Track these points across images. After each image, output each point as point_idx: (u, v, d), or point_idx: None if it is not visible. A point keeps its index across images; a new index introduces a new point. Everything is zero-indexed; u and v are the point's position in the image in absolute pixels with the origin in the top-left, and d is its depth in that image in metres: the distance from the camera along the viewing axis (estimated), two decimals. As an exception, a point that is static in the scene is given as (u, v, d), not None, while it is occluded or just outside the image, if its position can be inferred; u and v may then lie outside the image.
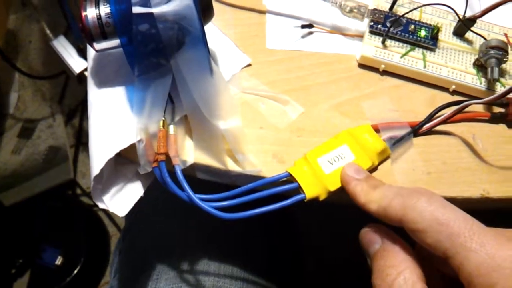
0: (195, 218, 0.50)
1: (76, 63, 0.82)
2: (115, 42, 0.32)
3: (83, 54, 0.84)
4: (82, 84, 1.27)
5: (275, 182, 0.33)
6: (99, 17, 0.31)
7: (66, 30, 1.34)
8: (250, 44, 0.40)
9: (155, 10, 0.29)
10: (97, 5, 0.32)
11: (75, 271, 1.05)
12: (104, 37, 0.32)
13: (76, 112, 1.30)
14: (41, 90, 1.33)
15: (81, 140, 1.27)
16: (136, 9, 0.29)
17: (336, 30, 0.41)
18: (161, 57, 0.31)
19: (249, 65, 0.39)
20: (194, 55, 0.31)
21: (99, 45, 0.33)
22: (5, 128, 1.26)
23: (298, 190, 0.33)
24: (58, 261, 1.04)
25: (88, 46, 0.38)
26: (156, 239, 0.50)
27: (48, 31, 0.85)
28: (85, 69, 0.82)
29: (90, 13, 0.31)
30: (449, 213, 0.26)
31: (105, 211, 1.18)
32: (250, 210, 0.31)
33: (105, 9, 0.31)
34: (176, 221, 0.51)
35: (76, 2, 0.72)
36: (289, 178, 0.33)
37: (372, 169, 0.35)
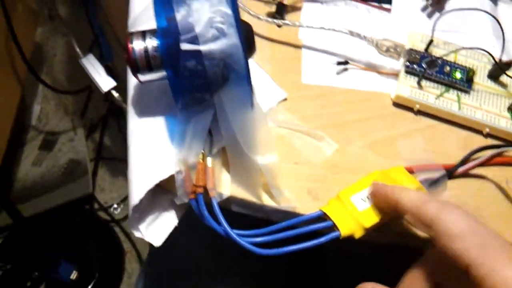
0: (222, 245, 0.50)
1: (104, 82, 0.83)
2: (160, 74, 0.33)
3: (111, 72, 0.86)
4: (107, 101, 1.28)
5: (310, 220, 0.33)
6: (146, 50, 0.32)
7: (91, 44, 1.36)
8: (286, 79, 0.41)
9: (203, 47, 0.30)
10: (143, 37, 0.32)
11: (89, 287, 1.05)
12: (150, 69, 0.33)
13: (97, 126, 1.31)
14: (63, 104, 1.35)
15: (101, 154, 1.28)
16: (185, 46, 0.30)
17: (371, 67, 0.42)
18: (205, 92, 0.32)
19: (285, 99, 0.40)
20: (238, 91, 0.32)
21: (144, 77, 0.33)
22: (27, 140, 1.28)
23: (333, 228, 0.33)
24: (73, 275, 1.04)
25: (128, 75, 0.39)
26: (183, 264, 0.51)
27: (77, 49, 0.87)
28: (113, 88, 0.84)
29: (137, 45, 0.32)
30: (484, 227, 0.26)
31: (121, 227, 1.18)
32: (286, 246, 0.32)
33: (152, 42, 0.32)
34: (204, 248, 0.51)
35: (107, 20, 0.74)
36: (324, 216, 0.34)
37: None
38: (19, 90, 1.15)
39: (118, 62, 0.89)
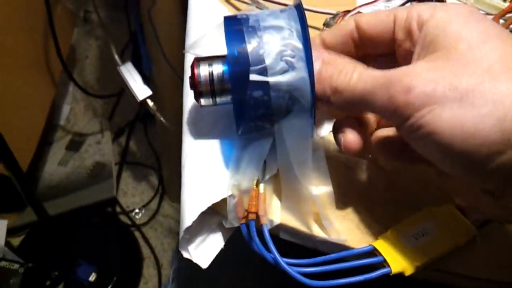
0: (250, 269, 0.50)
1: (140, 90, 0.84)
2: (221, 100, 0.34)
3: (147, 81, 0.87)
4: (138, 107, 1.30)
5: (360, 254, 0.33)
6: (211, 76, 0.33)
7: (124, 48, 1.38)
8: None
9: (271, 79, 0.30)
10: (210, 63, 0.33)
11: (107, 290, 1.06)
12: (213, 95, 0.33)
13: (124, 131, 1.33)
14: (92, 106, 1.38)
15: (125, 159, 1.30)
16: (254, 77, 0.30)
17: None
18: (267, 122, 0.32)
19: (337, 129, 0.40)
20: (300, 123, 0.32)
21: (205, 101, 0.34)
22: (55, 139, 1.30)
23: (383, 263, 0.33)
24: (92, 277, 1.05)
25: (185, 95, 0.40)
26: (206, 285, 0.51)
27: (116, 56, 0.88)
28: (149, 97, 0.85)
29: (203, 71, 0.33)
30: None
31: (141, 232, 1.19)
32: (336, 279, 0.32)
33: (217, 69, 0.33)
34: (230, 269, 0.51)
35: (155, 33, 0.75)
36: (374, 251, 0.34)
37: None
38: (52, 90, 1.18)
39: (156, 71, 0.91)
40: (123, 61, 0.88)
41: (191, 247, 0.35)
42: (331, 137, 0.39)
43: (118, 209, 1.22)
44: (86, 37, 1.52)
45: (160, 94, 0.87)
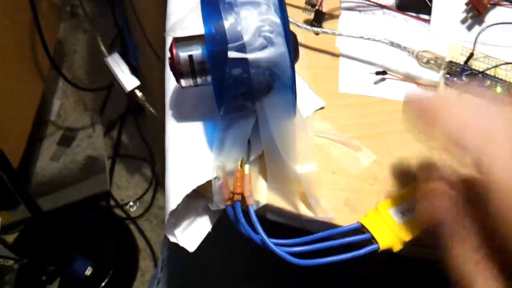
0: (238, 254, 0.50)
1: (128, 81, 0.84)
2: (202, 80, 0.33)
3: (135, 71, 0.86)
4: (128, 99, 1.29)
5: (348, 232, 0.33)
6: (190, 56, 0.32)
7: (112, 41, 1.37)
8: (323, 87, 0.40)
9: (250, 56, 0.30)
10: (188, 43, 0.32)
11: (103, 283, 1.05)
12: (193, 75, 0.33)
13: (115, 124, 1.32)
14: (83, 100, 1.36)
15: (118, 152, 1.29)
16: (232, 54, 0.30)
17: (410, 78, 0.41)
18: (248, 100, 0.32)
19: (322, 108, 0.39)
20: (281, 100, 0.31)
21: (186, 82, 0.33)
22: (46, 135, 1.29)
23: (371, 240, 0.33)
24: (88, 271, 1.05)
25: (166, 79, 0.39)
26: (197, 272, 0.51)
27: (102, 47, 0.87)
28: (137, 87, 0.84)
29: (182, 51, 0.32)
30: None
31: (136, 225, 1.19)
32: (324, 257, 0.31)
33: (197, 48, 0.32)
34: (219, 256, 0.51)
35: (137, 19, 0.74)
36: (362, 228, 0.33)
37: None
38: (41, 86, 1.16)
39: (143, 61, 0.90)
40: (111, 53, 0.87)
41: (177, 231, 0.35)
42: (315, 116, 0.39)
43: (112, 202, 1.21)
44: (74, 31, 1.50)
45: (148, 84, 0.86)
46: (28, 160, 1.21)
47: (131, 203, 1.22)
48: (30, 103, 1.13)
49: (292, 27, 0.40)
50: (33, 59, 1.10)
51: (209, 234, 0.53)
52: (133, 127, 1.31)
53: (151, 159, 1.26)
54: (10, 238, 1.10)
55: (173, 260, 0.55)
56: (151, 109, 0.86)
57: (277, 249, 0.32)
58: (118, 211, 1.21)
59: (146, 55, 0.84)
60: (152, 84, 0.89)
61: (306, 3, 0.43)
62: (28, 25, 1.04)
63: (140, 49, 0.86)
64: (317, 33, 0.43)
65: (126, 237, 1.16)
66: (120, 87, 0.86)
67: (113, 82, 1.06)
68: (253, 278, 0.50)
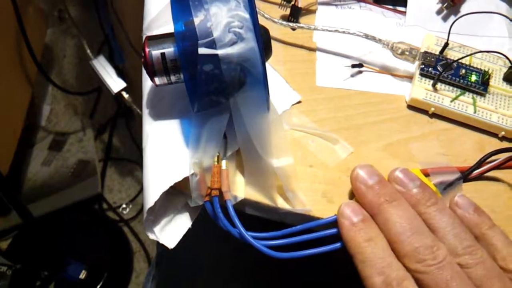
0: (230, 250, 0.50)
1: (114, 83, 0.84)
2: (176, 78, 0.33)
3: (121, 74, 0.86)
4: (117, 102, 1.29)
5: (326, 224, 0.33)
6: (162, 54, 0.32)
7: (101, 46, 1.37)
8: (300, 81, 0.41)
9: (220, 51, 0.30)
10: (160, 41, 0.33)
11: (98, 287, 1.05)
12: (166, 73, 0.33)
13: (106, 127, 1.32)
14: (73, 104, 1.36)
15: (109, 155, 1.29)
16: (202, 50, 0.30)
17: (386, 70, 0.42)
18: (221, 96, 0.32)
19: (299, 102, 0.40)
20: (254, 95, 0.32)
21: (160, 80, 0.33)
22: (37, 140, 1.29)
23: None
24: (82, 275, 1.05)
25: (143, 78, 0.39)
26: (190, 268, 0.51)
27: (88, 50, 0.87)
28: (123, 89, 0.84)
29: (154, 49, 0.32)
30: None
31: (130, 227, 1.19)
32: (303, 250, 0.32)
33: (168, 46, 0.32)
34: (211, 252, 0.51)
35: (120, 23, 0.74)
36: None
37: None
38: (29, 91, 1.16)
39: (129, 63, 0.90)
40: (97, 56, 0.87)
41: (157, 229, 0.35)
42: (292, 110, 0.39)
43: (105, 205, 1.21)
44: (63, 36, 1.50)
45: (135, 86, 0.86)
46: (19, 166, 1.20)
47: (124, 206, 1.22)
48: (19, 108, 1.13)
49: (268, 23, 0.41)
50: (20, 65, 1.10)
51: (202, 231, 0.53)
52: (124, 130, 1.31)
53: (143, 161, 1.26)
54: (3, 244, 1.10)
55: (168, 257, 0.55)
56: (138, 110, 0.86)
57: (255, 243, 0.32)
58: (111, 214, 1.21)
59: (131, 57, 0.84)
60: (138, 85, 0.89)
61: (282, -1, 0.43)
62: (14, 30, 1.04)
63: (125, 51, 0.86)
64: (293, 28, 0.43)
65: (120, 240, 1.16)
66: (108, 90, 0.86)
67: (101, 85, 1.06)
68: (246, 274, 0.50)
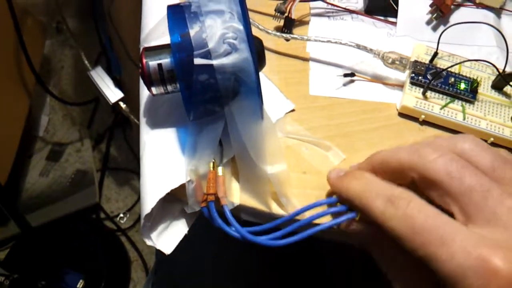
0: (228, 256, 0.51)
1: (112, 94, 0.85)
2: (172, 88, 0.34)
3: (118, 84, 0.87)
4: (115, 112, 1.30)
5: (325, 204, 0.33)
6: (159, 64, 0.33)
7: (98, 57, 1.38)
8: (293, 90, 0.42)
9: (215, 62, 0.31)
10: (157, 52, 0.34)
11: (96, 296, 1.05)
12: (163, 83, 0.34)
13: (103, 137, 1.33)
14: (70, 115, 1.37)
15: (107, 165, 1.29)
16: (198, 61, 0.31)
17: (377, 79, 0.43)
18: (216, 105, 0.33)
19: (293, 110, 0.41)
20: (248, 104, 0.33)
21: (157, 90, 0.34)
22: (35, 150, 1.30)
23: (348, 211, 0.32)
24: (80, 284, 1.05)
25: (141, 88, 0.40)
26: (189, 274, 0.52)
27: (86, 61, 0.88)
28: (120, 99, 0.85)
29: (151, 60, 0.33)
30: None
31: (127, 236, 1.19)
32: (301, 232, 0.32)
33: (165, 57, 0.33)
34: (210, 259, 0.52)
35: (117, 34, 0.75)
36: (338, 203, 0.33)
37: None
38: (27, 102, 1.17)
39: (126, 74, 0.91)
40: (95, 67, 0.88)
41: (154, 235, 0.36)
42: (286, 119, 0.40)
43: (102, 215, 1.22)
44: (61, 47, 1.52)
45: (132, 96, 0.87)
46: (17, 176, 1.21)
47: (121, 215, 1.23)
48: (17, 119, 1.14)
49: (263, 34, 0.42)
50: (19, 75, 1.11)
51: (200, 238, 0.54)
52: (121, 140, 1.32)
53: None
54: (1, 254, 1.11)
55: (167, 263, 0.55)
56: (136, 120, 0.87)
57: (256, 238, 0.32)
58: (108, 223, 1.21)
59: (128, 67, 0.85)
60: (135, 95, 0.90)
61: (275, 10, 0.44)
62: (13, 42, 1.05)
63: (123, 62, 0.87)
64: (287, 39, 0.44)
65: (117, 249, 1.16)
66: (105, 101, 0.87)
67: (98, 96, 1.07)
68: (245, 279, 0.51)
